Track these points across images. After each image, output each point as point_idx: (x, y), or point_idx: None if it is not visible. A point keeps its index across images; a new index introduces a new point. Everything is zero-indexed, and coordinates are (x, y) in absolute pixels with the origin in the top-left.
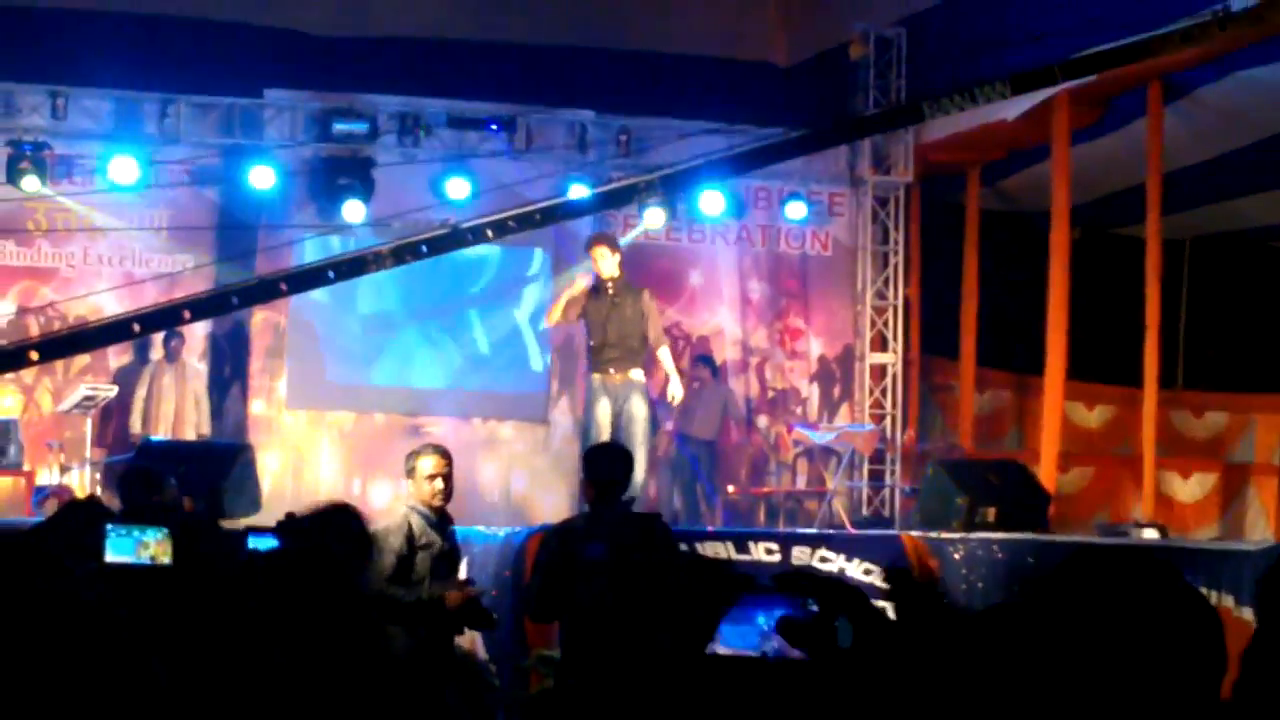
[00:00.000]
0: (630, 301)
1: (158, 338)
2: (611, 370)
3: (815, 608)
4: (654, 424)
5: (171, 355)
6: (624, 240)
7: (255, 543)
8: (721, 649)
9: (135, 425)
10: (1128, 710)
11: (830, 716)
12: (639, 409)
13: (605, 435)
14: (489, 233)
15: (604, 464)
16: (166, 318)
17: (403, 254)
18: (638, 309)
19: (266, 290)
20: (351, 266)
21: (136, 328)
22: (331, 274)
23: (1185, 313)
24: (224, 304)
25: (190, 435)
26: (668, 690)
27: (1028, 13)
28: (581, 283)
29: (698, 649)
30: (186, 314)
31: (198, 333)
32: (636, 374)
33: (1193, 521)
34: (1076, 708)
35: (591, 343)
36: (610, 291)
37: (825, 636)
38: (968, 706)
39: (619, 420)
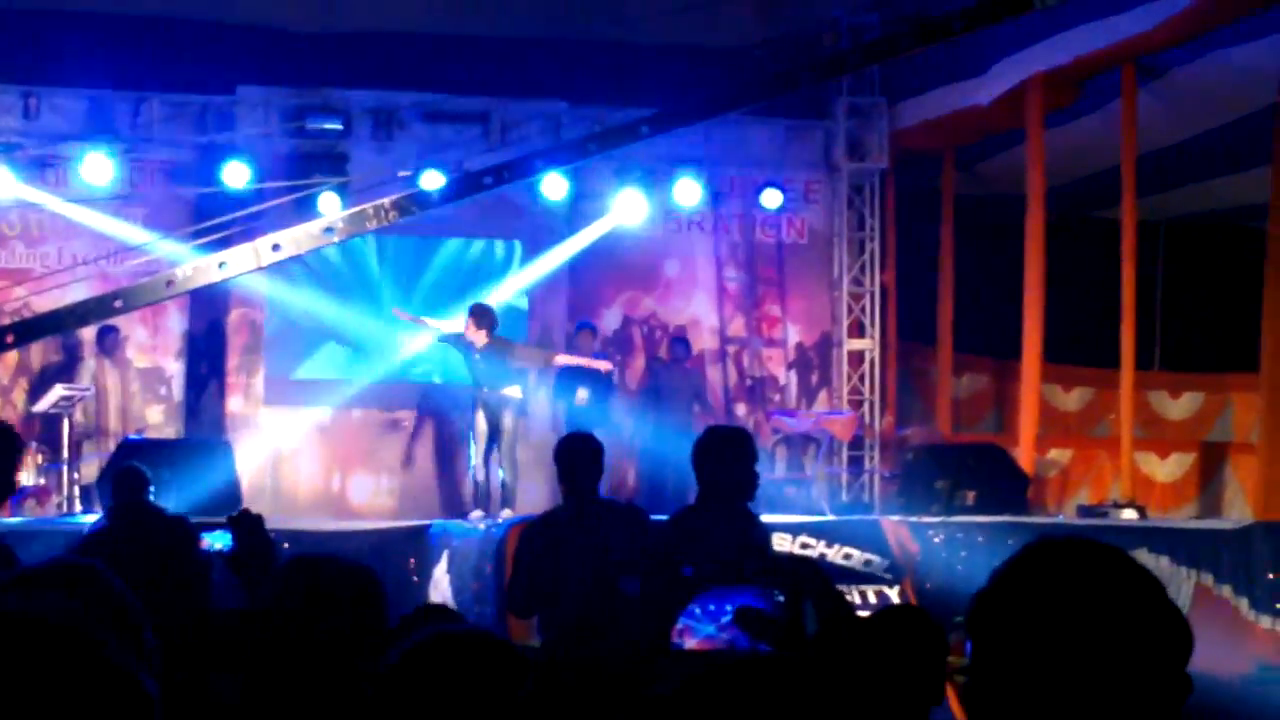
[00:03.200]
0: (497, 355)
1: (89, 335)
2: (485, 389)
3: (782, 598)
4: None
5: (109, 350)
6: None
7: (210, 539)
8: (691, 642)
9: (79, 425)
10: (1086, 691)
11: (802, 706)
12: (510, 421)
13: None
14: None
15: (579, 455)
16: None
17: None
18: (503, 358)
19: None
20: (352, 220)
21: (118, 304)
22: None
23: (1161, 294)
24: (317, 239)
25: (133, 431)
26: (639, 683)
27: None
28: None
29: (659, 639)
30: (171, 284)
31: (174, 330)
32: (511, 391)
33: (1171, 501)
34: (1038, 689)
35: (471, 374)
36: (481, 352)
37: (793, 625)
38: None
39: (495, 430)
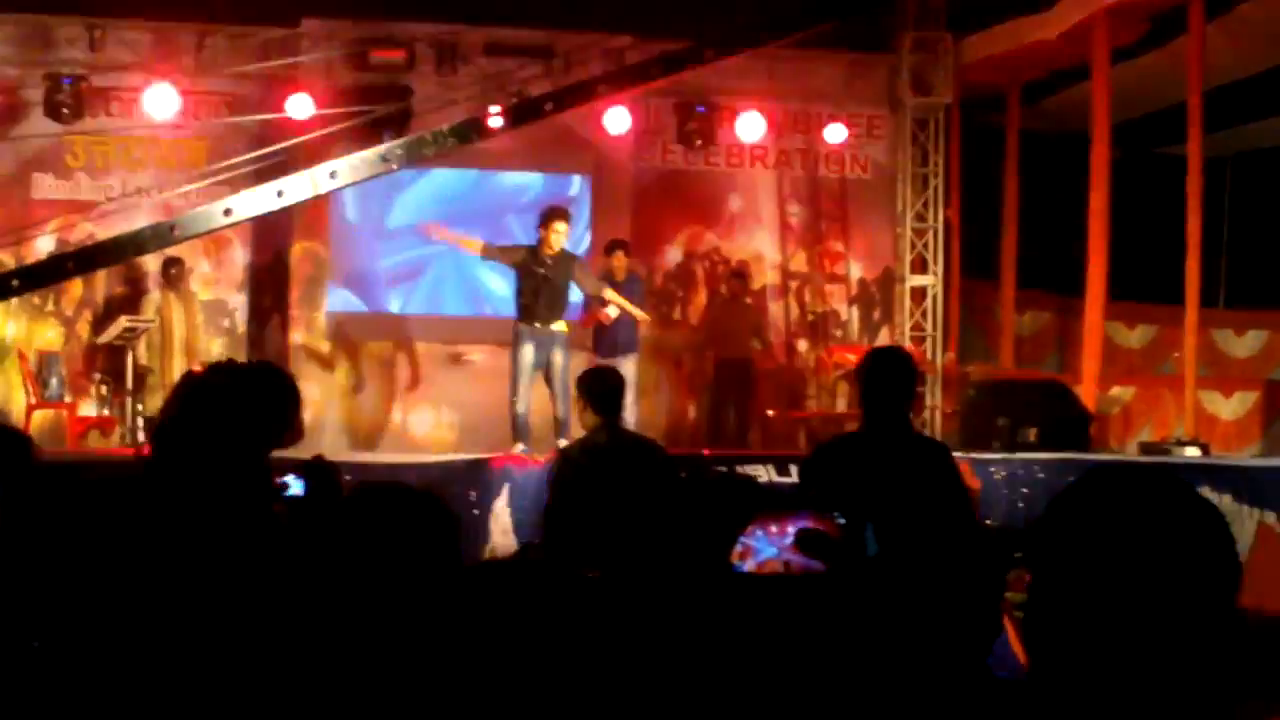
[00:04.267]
0: (563, 273)
1: (154, 267)
2: (537, 324)
3: (843, 520)
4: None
5: (174, 282)
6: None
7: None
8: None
9: (142, 358)
10: (1146, 621)
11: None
12: (561, 358)
13: (526, 378)
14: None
15: (609, 385)
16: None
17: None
18: (567, 278)
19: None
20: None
21: (176, 232)
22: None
23: (1227, 231)
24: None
25: (196, 363)
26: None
27: None
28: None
29: (718, 561)
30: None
31: (237, 263)
32: (559, 326)
33: (1234, 439)
34: (1096, 620)
35: (522, 300)
36: (549, 263)
37: (853, 546)
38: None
39: (547, 369)
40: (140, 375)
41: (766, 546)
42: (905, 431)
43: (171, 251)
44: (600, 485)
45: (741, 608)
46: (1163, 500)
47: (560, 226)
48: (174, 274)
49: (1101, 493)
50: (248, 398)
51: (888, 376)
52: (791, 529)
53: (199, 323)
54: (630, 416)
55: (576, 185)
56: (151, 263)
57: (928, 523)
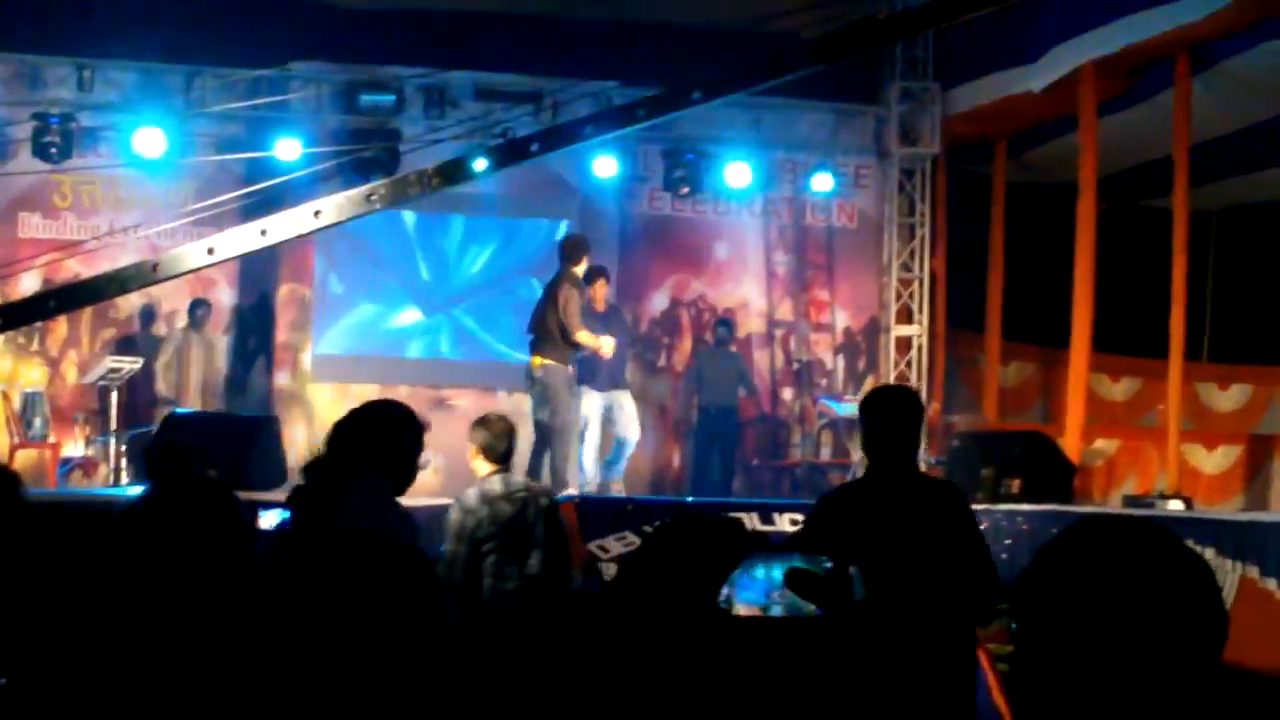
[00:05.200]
0: (617, 330)
1: (177, 308)
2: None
3: (830, 564)
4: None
5: (198, 324)
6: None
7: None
8: (739, 607)
9: (161, 392)
10: (1131, 675)
11: (844, 669)
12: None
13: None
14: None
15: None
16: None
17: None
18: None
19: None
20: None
21: (157, 270)
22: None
23: (1212, 285)
24: (360, 206)
25: (217, 406)
26: (682, 646)
27: None
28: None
29: (706, 603)
30: (212, 251)
31: (223, 304)
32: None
33: (1218, 493)
34: (1081, 672)
35: (584, 364)
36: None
37: (841, 588)
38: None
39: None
40: (149, 413)
41: (755, 588)
42: (912, 474)
43: (201, 294)
44: (496, 535)
45: (730, 649)
46: (1149, 552)
47: (604, 283)
48: (200, 315)
49: (1088, 544)
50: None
51: (893, 416)
52: (779, 571)
53: (219, 366)
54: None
55: (563, 230)
56: (166, 302)
57: (941, 567)
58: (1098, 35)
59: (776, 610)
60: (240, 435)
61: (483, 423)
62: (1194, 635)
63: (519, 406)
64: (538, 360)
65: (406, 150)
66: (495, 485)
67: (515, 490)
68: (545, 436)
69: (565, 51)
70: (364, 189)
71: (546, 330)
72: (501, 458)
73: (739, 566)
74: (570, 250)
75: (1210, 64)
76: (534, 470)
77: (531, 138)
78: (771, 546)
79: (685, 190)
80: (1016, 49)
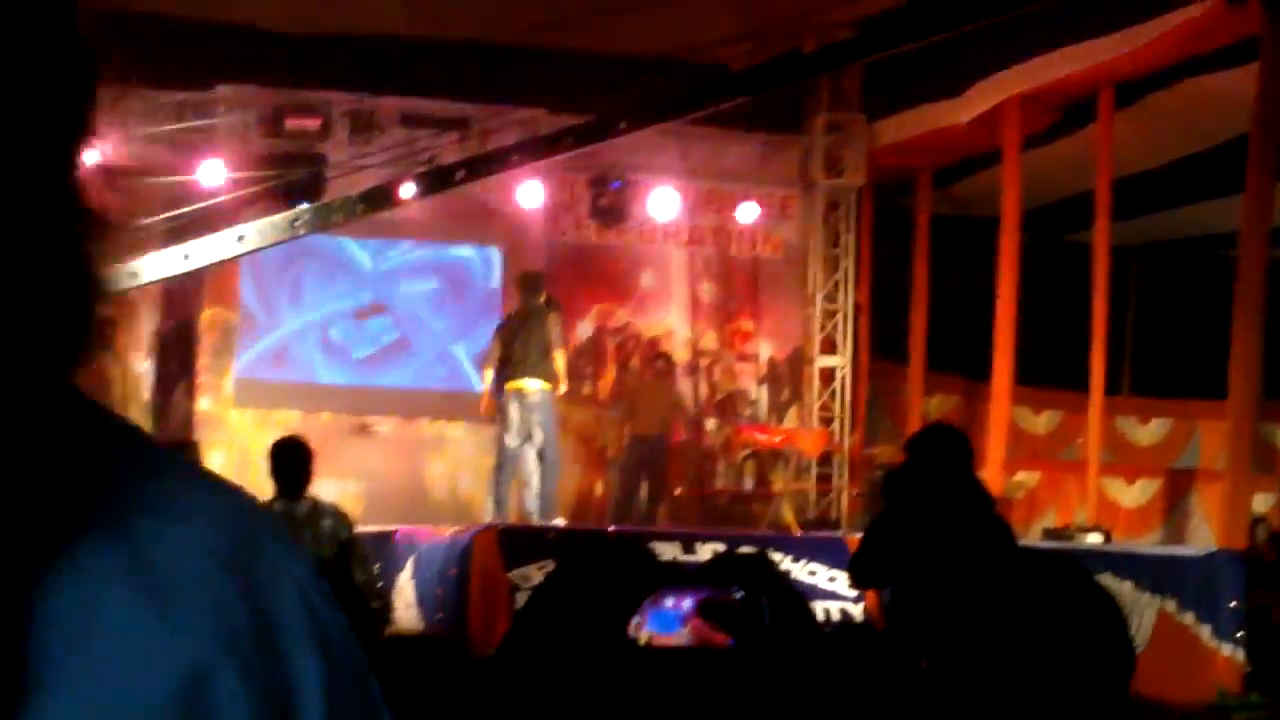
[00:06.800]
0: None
1: None
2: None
3: (741, 594)
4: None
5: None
6: None
7: None
8: (649, 636)
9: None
10: (1041, 709)
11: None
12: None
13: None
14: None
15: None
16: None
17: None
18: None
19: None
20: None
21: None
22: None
23: (1133, 319)
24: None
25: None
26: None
27: None
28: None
29: (616, 633)
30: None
31: (144, 329)
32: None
33: (1136, 527)
34: (992, 705)
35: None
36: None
37: (751, 618)
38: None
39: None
40: None
41: (666, 619)
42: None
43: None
44: None
45: (641, 680)
46: (1061, 588)
47: None
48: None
49: (1001, 579)
50: None
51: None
52: (691, 602)
53: (140, 390)
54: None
55: (488, 258)
56: None
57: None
58: (1023, 70)
59: (687, 640)
60: None
61: (275, 446)
62: (1102, 670)
63: (441, 433)
64: (539, 386)
65: (332, 176)
66: (275, 509)
67: (297, 515)
68: (516, 461)
69: (493, 78)
70: (289, 214)
71: (544, 359)
72: (287, 482)
73: (650, 596)
74: (540, 283)
75: (1134, 100)
76: (501, 497)
77: (457, 165)
78: (684, 576)
79: (611, 218)
80: (942, 82)
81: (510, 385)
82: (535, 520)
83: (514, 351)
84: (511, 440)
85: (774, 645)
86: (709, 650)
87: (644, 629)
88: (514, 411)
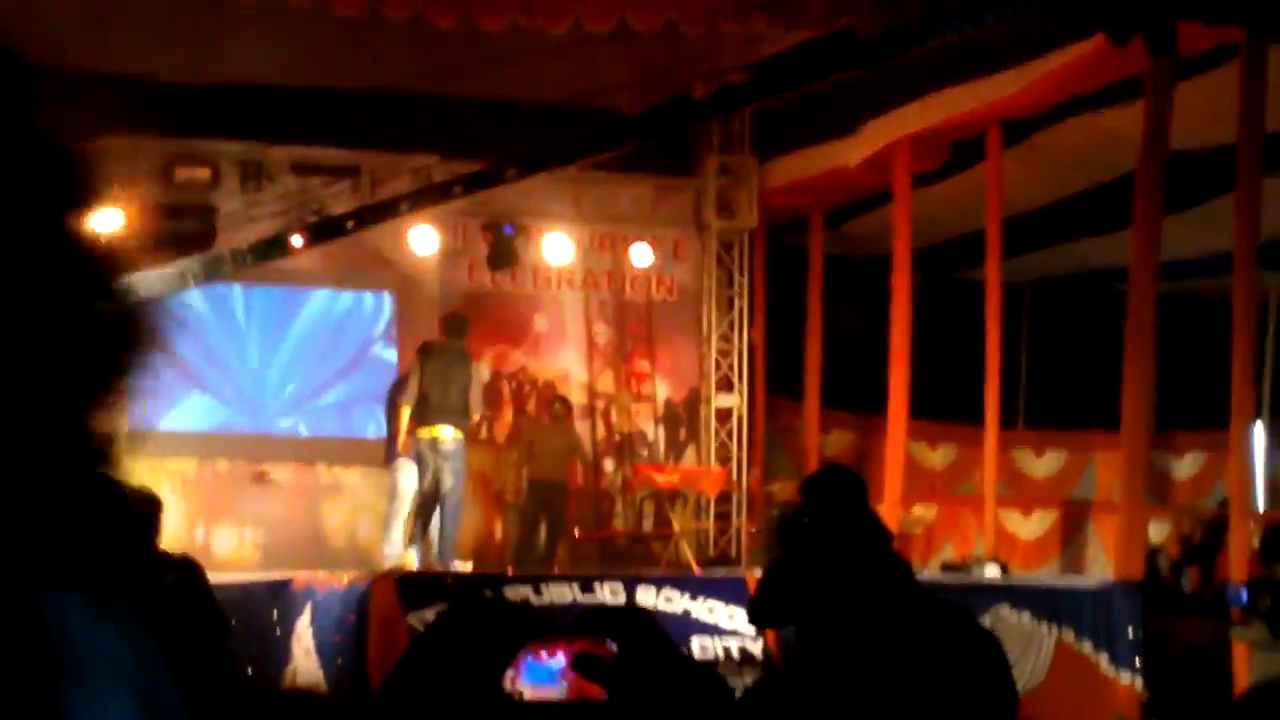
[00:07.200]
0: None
1: None
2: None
3: (614, 646)
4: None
5: None
6: None
7: None
8: (524, 690)
9: None
10: None
11: None
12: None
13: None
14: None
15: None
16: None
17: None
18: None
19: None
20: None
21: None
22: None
23: (1026, 354)
24: (172, 283)
25: None
26: None
27: None
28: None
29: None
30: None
31: None
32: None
33: (1034, 558)
34: None
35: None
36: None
37: (626, 671)
38: None
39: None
40: None
41: (541, 672)
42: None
43: None
44: None
45: None
46: (942, 629)
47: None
48: None
49: (890, 627)
50: None
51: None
52: (564, 655)
53: None
54: None
55: (382, 304)
56: None
57: None
58: (912, 110)
59: (562, 693)
60: None
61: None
62: (984, 709)
63: (338, 480)
64: (453, 434)
65: (224, 226)
66: None
67: None
68: (430, 505)
69: (385, 126)
70: (177, 266)
71: (463, 405)
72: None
73: (523, 649)
74: (464, 327)
75: (1022, 137)
76: (416, 538)
77: (347, 215)
78: (558, 628)
79: (504, 264)
80: (833, 123)
81: (424, 431)
82: (435, 565)
83: (432, 394)
84: (424, 484)
85: (648, 699)
86: (584, 704)
87: (519, 682)
88: (428, 456)
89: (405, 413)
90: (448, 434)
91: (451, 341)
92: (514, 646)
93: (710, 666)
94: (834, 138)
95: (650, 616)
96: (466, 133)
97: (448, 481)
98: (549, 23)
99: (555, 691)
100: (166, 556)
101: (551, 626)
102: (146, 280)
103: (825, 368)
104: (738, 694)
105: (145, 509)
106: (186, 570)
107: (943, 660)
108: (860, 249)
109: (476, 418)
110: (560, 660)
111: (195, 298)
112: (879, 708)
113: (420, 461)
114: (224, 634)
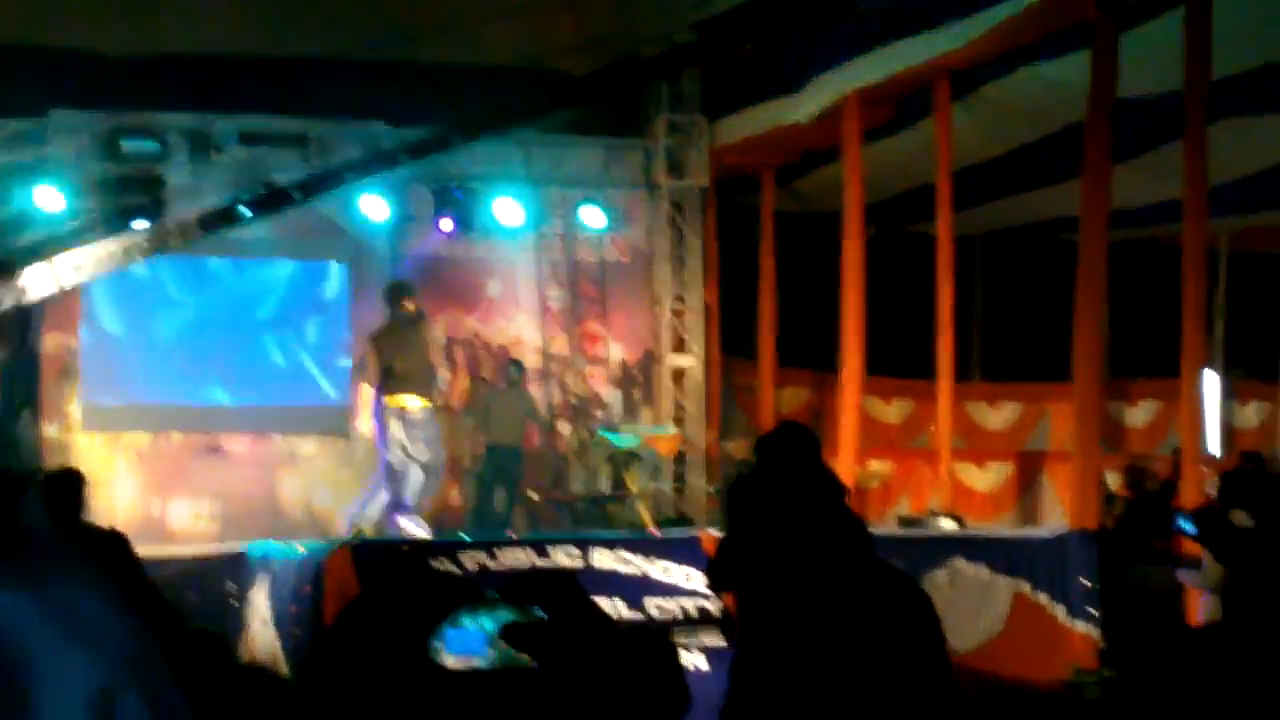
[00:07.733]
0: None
1: None
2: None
3: (542, 613)
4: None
5: None
6: None
7: None
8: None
9: None
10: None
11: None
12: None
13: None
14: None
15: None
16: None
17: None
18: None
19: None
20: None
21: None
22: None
23: (979, 306)
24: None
25: None
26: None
27: None
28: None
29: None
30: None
31: None
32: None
33: (990, 510)
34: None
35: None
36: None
37: (553, 639)
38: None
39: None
40: None
41: (468, 640)
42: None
43: None
44: None
45: (441, 703)
46: (878, 592)
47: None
48: None
49: (835, 591)
50: None
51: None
52: (494, 623)
53: None
54: None
55: (334, 273)
56: None
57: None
58: (860, 64)
59: (489, 662)
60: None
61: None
62: (917, 672)
63: (295, 449)
64: (420, 404)
65: (172, 198)
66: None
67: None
68: (404, 475)
69: (332, 93)
70: (124, 239)
71: (428, 373)
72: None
73: (449, 618)
74: (403, 291)
75: (970, 89)
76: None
77: (295, 186)
78: (483, 597)
79: (455, 228)
80: (782, 80)
81: (391, 401)
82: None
83: (395, 366)
84: (393, 456)
85: (575, 667)
86: (511, 672)
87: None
88: (395, 428)
89: (366, 391)
90: (414, 404)
91: (396, 311)
92: (439, 616)
93: (643, 627)
94: (783, 95)
95: (576, 581)
96: (415, 98)
97: (424, 452)
98: None
99: (482, 660)
100: (93, 528)
101: (477, 594)
102: (95, 255)
103: (780, 325)
104: (690, 652)
105: (67, 485)
106: (114, 542)
107: (878, 625)
108: (812, 205)
109: (434, 379)
110: (489, 628)
111: (141, 270)
112: (815, 669)
113: (385, 435)
114: (157, 604)
